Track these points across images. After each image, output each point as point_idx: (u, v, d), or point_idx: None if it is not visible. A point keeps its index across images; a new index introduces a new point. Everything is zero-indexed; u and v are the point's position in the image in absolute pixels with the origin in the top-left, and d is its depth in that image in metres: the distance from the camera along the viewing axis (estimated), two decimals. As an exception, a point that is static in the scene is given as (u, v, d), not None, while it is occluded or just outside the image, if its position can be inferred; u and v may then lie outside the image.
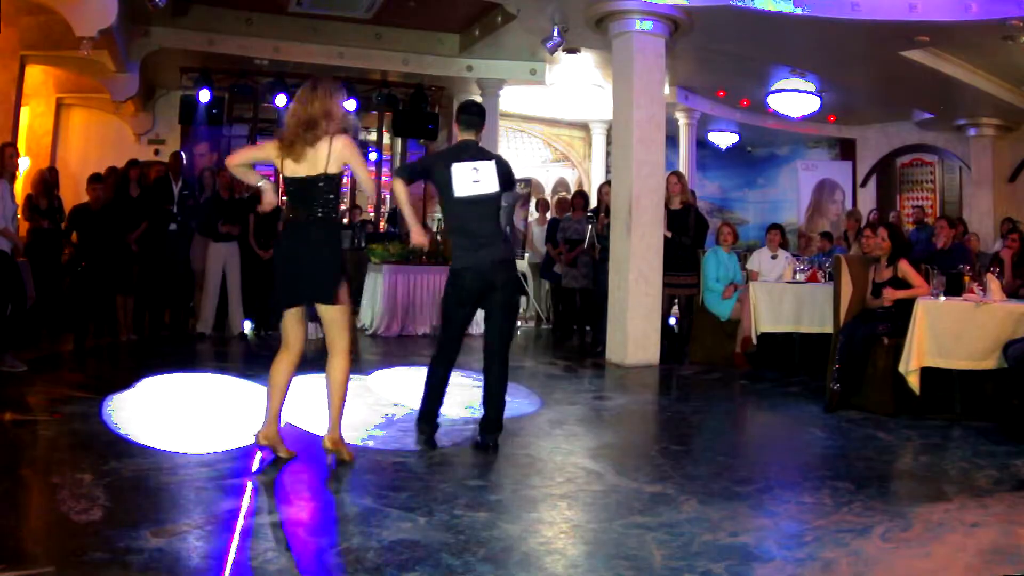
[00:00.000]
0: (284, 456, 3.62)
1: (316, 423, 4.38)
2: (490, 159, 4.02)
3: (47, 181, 7.15)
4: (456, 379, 4.24)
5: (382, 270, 8.47)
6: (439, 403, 4.10)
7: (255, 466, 3.56)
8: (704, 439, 4.70)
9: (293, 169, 3.51)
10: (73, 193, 8.50)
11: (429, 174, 4.11)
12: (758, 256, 7.56)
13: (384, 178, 13.10)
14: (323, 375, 3.62)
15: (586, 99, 11.70)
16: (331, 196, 3.56)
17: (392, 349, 7.72)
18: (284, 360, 3.60)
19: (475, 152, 4.03)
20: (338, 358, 3.60)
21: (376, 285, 8.49)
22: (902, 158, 13.46)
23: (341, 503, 3.16)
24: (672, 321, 7.87)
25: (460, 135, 4.11)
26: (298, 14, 9.66)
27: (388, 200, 13.24)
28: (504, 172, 4.03)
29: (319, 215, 3.53)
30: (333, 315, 3.58)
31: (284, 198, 4.01)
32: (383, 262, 8.51)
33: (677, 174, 7.72)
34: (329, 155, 3.48)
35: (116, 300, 7.38)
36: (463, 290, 3.97)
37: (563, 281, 8.90)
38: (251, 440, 3.64)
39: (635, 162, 7.07)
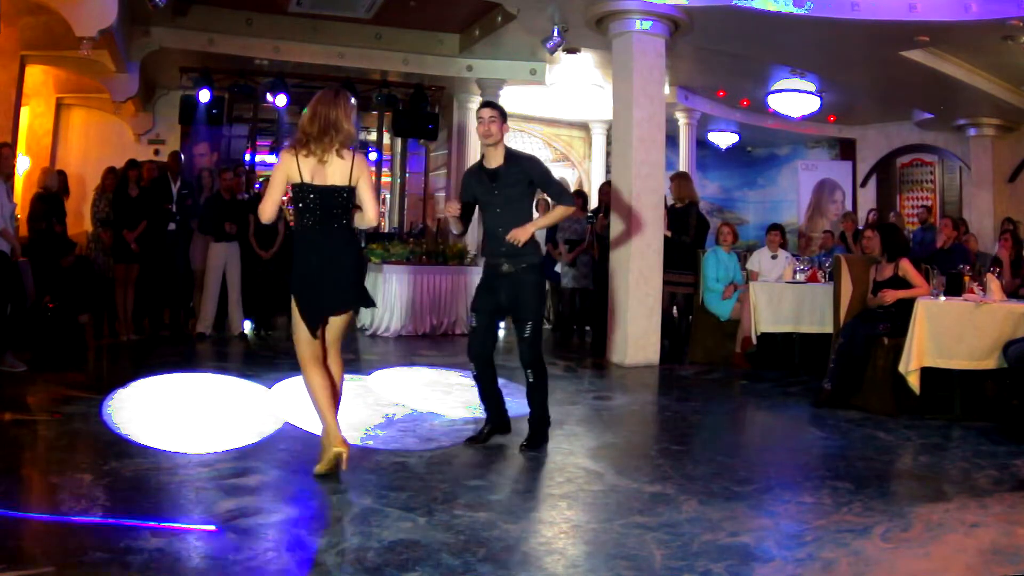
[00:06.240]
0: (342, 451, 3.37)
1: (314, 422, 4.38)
2: None
3: (54, 189, 7.09)
4: (457, 379, 4.23)
5: (382, 270, 8.47)
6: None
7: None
8: (704, 439, 4.70)
9: (320, 177, 3.41)
10: (74, 193, 8.50)
11: None
12: (758, 256, 7.56)
13: (384, 178, 13.11)
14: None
15: (586, 99, 11.68)
16: (351, 207, 3.52)
17: (392, 349, 7.73)
18: (321, 368, 3.49)
19: None
20: (338, 356, 3.61)
21: (376, 285, 8.48)
22: (902, 158, 13.45)
23: (341, 503, 3.16)
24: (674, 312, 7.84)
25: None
26: (298, 14, 9.65)
27: (387, 198, 13.25)
28: None
29: (344, 223, 3.50)
30: (347, 317, 3.60)
31: (290, 206, 3.76)
32: (383, 262, 8.51)
33: (682, 175, 7.76)
34: (352, 169, 3.45)
35: (116, 298, 7.39)
36: None
37: (563, 281, 8.90)
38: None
39: (635, 162, 7.07)
